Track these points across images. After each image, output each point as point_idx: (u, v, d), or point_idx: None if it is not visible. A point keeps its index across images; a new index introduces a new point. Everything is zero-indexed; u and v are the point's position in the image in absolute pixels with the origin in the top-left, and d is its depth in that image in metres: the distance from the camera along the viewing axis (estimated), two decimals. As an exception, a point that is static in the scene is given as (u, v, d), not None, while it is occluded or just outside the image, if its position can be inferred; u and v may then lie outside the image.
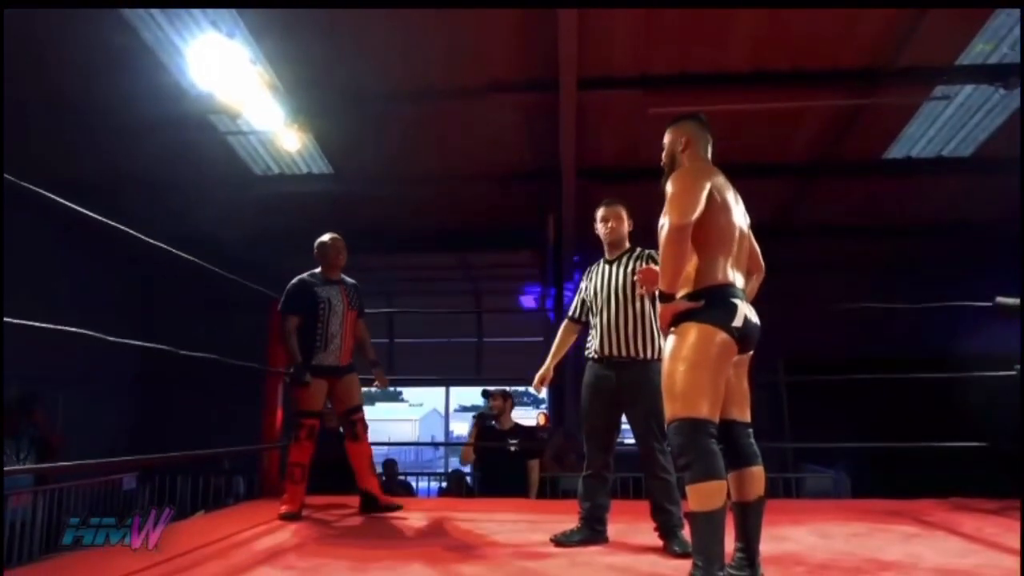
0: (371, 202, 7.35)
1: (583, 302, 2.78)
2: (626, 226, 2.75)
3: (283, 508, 3.10)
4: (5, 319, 1.90)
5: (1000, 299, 3.36)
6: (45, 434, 4.79)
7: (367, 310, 3.51)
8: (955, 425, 4.19)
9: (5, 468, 4.02)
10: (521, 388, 11.61)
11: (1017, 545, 2.28)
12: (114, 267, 7.85)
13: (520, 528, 2.88)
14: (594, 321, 2.69)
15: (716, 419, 1.82)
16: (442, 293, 10.32)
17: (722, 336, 1.82)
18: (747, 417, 1.95)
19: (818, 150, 6.55)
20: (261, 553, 2.40)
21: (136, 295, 8.77)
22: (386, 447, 10.14)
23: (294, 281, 3.32)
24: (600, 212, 2.75)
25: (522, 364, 4.70)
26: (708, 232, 1.89)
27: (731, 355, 1.86)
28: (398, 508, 3.22)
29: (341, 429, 3.40)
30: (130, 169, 6.64)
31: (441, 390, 12.02)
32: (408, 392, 25.08)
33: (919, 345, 7.28)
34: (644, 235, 2.60)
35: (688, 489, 1.78)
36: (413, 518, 3.11)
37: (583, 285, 2.81)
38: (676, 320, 1.88)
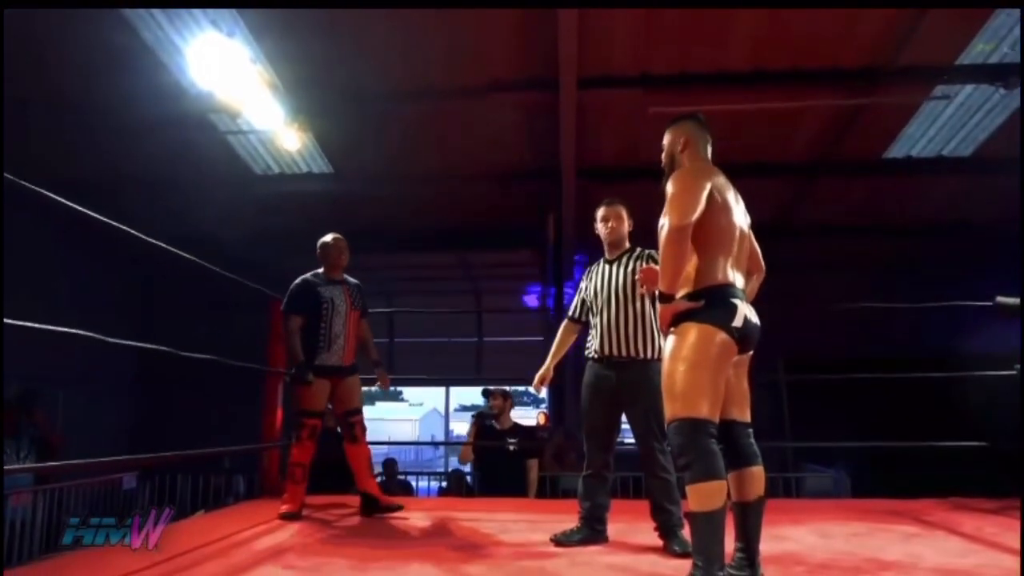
0: (371, 202, 7.35)
1: (583, 302, 2.79)
2: (626, 226, 2.75)
3: (283, 508, 3.10)
4: (5, 320, 1.90)
5: (1000, 299, 3.36)
6: (45, 433, 4.79)
7: (369, 310, 3.52)
8: (955, 425, 4.19)
9: (5, 467, 4.02)
10: (521, 388, 11.63)
11: (1017, 545, 2.29)
12: (114, 267, 7.85)
13: (520, 528, 2.88)
14: (594, 321, 2.69)
15: (716, 419, 1.82)
16: (442, 293, 10.32)
17: (722, 336, 1.82)
18: (747, 417, 1.95)
19: (818, 150, 6.55)
20: (261, 552, 2.40)
21: (136, 295, 8.77)
22: (386, 447, 10.16)
23: (297, 281, 3.33)
24: (600, 212, 2.75)
25: (522, 364, 4.70)
26: (708, 232, 1.89)
27: (731, 355, 1.86)
28: (399, 508, 3.22)
29: (339, 429, 3.40)
30: (130, 169, 6.65)
31: (441, 390, 12.03)
32: (408, 392, 25.12)
33: (919, 345, 7.29)
34: (644, 235, 2.60)
35: (688, 489, 1.78)
36: (413, 518, 3.11)
37: (583, 285, 2.81)
38: (676, 320, 1.88)
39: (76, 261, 7.19)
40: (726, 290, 1.88)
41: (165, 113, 5.76)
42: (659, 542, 2.44)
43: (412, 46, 5.41)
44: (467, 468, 5.57)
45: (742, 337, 1.86)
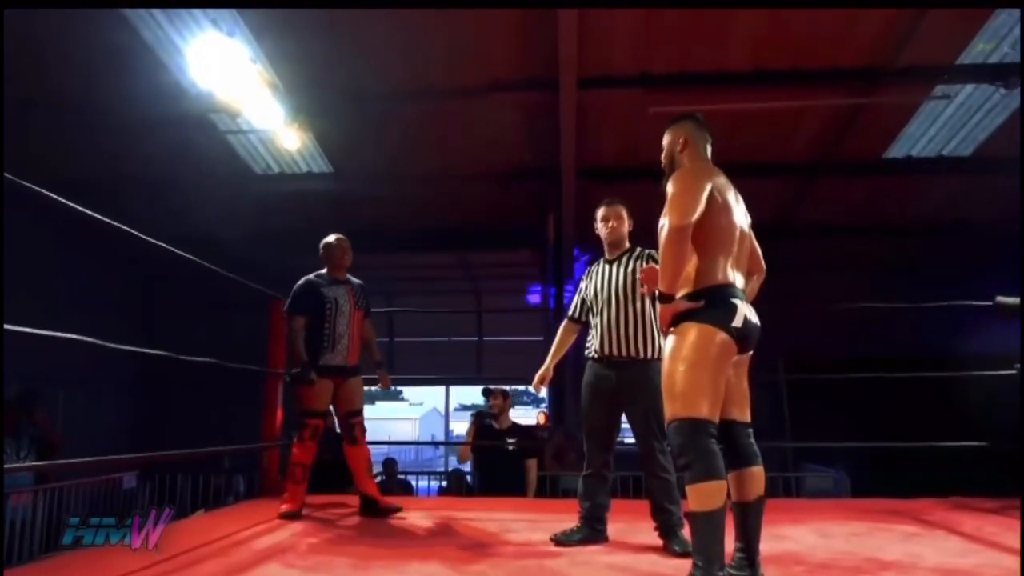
0: (371, 201, 7.35)
1: (583, 302, 2.79)
2: (626, 226, 2.75)
3: (283, 507, 3.10)
4: (5, 326, 1.90)
5: (1000, 299, 3.36)
6: (45, 433, 4.78)
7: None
8: (955, 425, 4.19)
9: (5, 467, 4.02)
10: (521, 387, 11.63)
11: (1017, 544, 2.29)
12: (114, 267, 7.85)
13: (520, 527, 2.88)
14: (594, 321, 2.69)
15: (716, 419, 1.82)
16: (442, 292, 10.33)
17: (722, 336, 1.82)
18: (747, 417, 1.95)
19: (818, 150, 6.55)
20: (261, 552, 2.40)
21: (136, 295, 8.78)
22: (386, 446, 10.16)
23: (300, 282, 3.32)
24: (600, 212, 2.75)
25: (522, 363, 4.71)
26: (708, 232, 1.89)
27: (731, 355, 1.86)
28: (398, 510, 3.21)
29: (338, 430, 3.40)
30: (130, 169, 6.65)
31: (441, 389, 12.02)
32: (408, 391, 25.10)
33: (919, 345, 7.29)
34: (644, 235, 2.60)
35: (688, 489, 1.78)
36: (413, 517, 3.11)
37: (583, 285, 2.81)
38: (676, 320, 1.88)
39: (76, 261, 7.20)
40: (726, 290, 1.88)
41: (165, 113, 5.76)
42: (659, 542, 2.44)
43: (412, 46, 5.41)
44: (467, 468, 5.57)
45: (742, 337, 1.86)
